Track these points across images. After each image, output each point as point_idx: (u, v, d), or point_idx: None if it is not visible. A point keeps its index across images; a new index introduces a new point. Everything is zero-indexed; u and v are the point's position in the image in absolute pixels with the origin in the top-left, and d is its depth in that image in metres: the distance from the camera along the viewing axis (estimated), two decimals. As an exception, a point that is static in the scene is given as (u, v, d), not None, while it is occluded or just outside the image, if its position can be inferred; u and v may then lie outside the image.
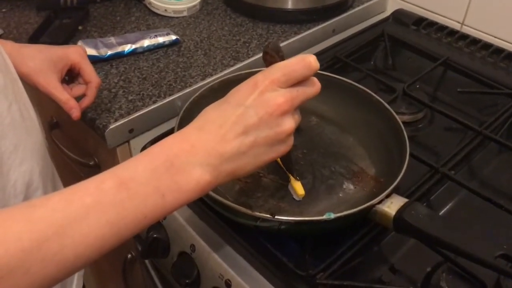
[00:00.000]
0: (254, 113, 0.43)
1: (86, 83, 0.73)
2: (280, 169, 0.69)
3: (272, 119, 0.43)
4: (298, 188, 0.64)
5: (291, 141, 0.46)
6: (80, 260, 0.38)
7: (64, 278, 0.38)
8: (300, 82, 0.45)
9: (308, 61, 0.44)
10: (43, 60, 0.68)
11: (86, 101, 0.73)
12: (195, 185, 0.41)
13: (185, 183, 0.41)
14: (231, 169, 0.43)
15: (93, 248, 0.38)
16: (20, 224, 0.36)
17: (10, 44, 0.69)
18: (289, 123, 0.44)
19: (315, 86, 0.46)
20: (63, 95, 0.69)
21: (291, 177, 0.64)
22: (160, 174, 0.40)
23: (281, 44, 0.95)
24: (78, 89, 0.74)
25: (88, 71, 0.72)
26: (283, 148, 0.46)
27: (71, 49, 0.72)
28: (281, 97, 0.43)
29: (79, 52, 0.72)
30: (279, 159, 0.62)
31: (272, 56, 0.46)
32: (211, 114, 0.44)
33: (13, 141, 0.50)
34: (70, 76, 0.74)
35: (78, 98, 0.72)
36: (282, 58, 0.46)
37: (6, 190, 0.49)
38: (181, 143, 0.42)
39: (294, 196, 0.64)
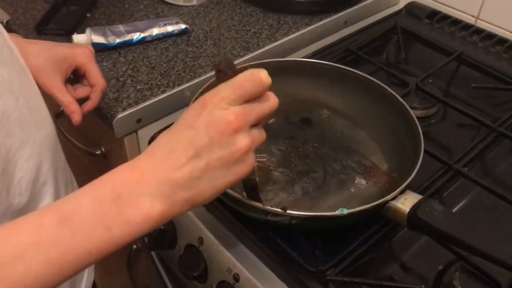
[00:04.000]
0: (204, 134, 0.40)
1: (91, 85, 0.71)
2: (291, 163, 0.68)
3: (224, 138, 0.40)
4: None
5: (251, 160, 0.43)
6: None
7: None
8: (253, 99, 0.42)
9: (258, 76, 0.41)
10: (47, 59, 0.66)
11: (89, 105, 0.71)
12: (146, 217, 0.39)
13: (133, 215, 0.38)
14: (187, 197, 0.40)
15: None
16: None
17: (15, 38, 0.66)
18: (244, 141, 0.41)
19: (270, 101, 0.43)
20: (65, 97, 0.67)
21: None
22: (106, 206, 0.38)
23: (293, 35, 0.94)
24: (82, 90, 0.72)
25: (94, 74, 0.70)
26: (242, 169, 0.42)
27: (78, 49, 0.69)
28: (232, 115, 0.40)
29: (86, 54, 0.69)
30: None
31: (225, 73, 0.43)
32: (162, 139, 0.42)
33: (20, 137, 0.48)
34: (75, 76, 0.72)
35: (82, 101, 0.70)
36: (236, 74, 0.42)
37: (10, 189, 0.48)
38: (130, 172, 0.40)
39: None
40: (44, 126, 0.54)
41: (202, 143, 0.40)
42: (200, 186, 0.40)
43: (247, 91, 0.41)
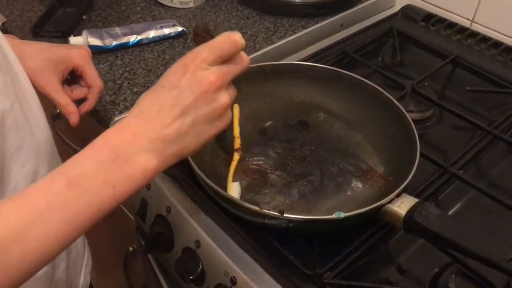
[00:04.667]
0: (189, 93, 0.44)
1: (88, 86, 0.71)
2: (287, 166, 0.68)
3: (207, 96, 0.45)
4: (230, 188, 0.63)
5: (228, 115, 0.48)
6: (43, 260, 0.39)
7: (29, 278, 0.39)
8: (229, 59, 0.47)
9: (234, 38, 0.46)
10: (43, 60, 0.66)
11: (87, 106, 0.71)
12: (143, 172, 0.42)
13: (132, 171, 0.42)
14: (176, 151, 0.44)
15: (54, 247, 0.39)
16: None
17: (10, 39, 0.66)
18: (224, 98, 0.46)
19: (244, 61, 0.48)
20: (62, 98, 0.67)
21: (228, 180, 0.64)
22: (108, 166, 0.41)
23: (289, 38, 0.94)
24: (79, 91, 0.72)
25: (91, 75, 0.70)
26: (222, 123, 0.47)
27: (74, 50, 0.69)
28: (213, 75, 0.45)
29: (83, 55, 0.69)
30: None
31: (202, 37, 0.48)
32: (147, 100, 0.45)
33: (16, 142, 0.48)
34: (72, 77, 0.71)
35: (79, 102, 0.70)
36: (212, 37, 0.47)
37: (5, 195, 0.48)
38: (122, 133, 0.43)
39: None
40: (40, 131, 0.54)
41: (188, 102, 0.44)
42: (187, 141, 0.45)
43: (225, 52, 0.46)
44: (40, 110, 0.55)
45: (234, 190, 0.63)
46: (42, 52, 0.67)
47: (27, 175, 0.50)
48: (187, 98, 0.44)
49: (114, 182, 0.41)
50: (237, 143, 0.67)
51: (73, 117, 0.68)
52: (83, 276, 0.68)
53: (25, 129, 0.50)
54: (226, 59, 0.46)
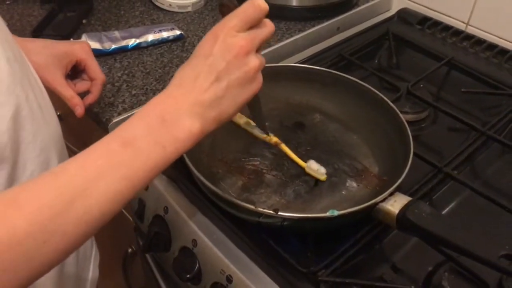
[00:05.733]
0: (221, 59, 0.47)
1: (91, 79, 0.73)
2: (283, 166, 0.69)
3: (239, 60, 0.47)
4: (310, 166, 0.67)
5: (260, 78, 0.50)
6: (105, 216, 0.42)
7: (92, 235, 0.43)
8: (255, 24, 0.49)
9: (257, 4, 0.48)
10: (47, 55, 0.68)
11: (91, 98, 0.72)
12: (189, 134, 0.45)
13: (179, 133, 0.45)
14: (215, 115, 0.47)
15: (114, 203, 0.42)
16: (50, 191, 0.39)
17: (14, 37, 0.68)
18: (254, 61, 0.48)
19: (268, 26, 0.50)
20: (67, 91, 0.69)
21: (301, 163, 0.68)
22: (157, 129, 0.44)
23: (286, 41, 0.95)
24: (82, 85, 0.74)
25: (94, 68, 0.72)
26: (255, 85, 0.50)
27: (76, 45, 0.71)
28: (242, 40, 0.47)
29: (85, 49, 0.72)
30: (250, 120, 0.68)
31: (228, 7, 0.50)
32: (185, 71, 0.48)
33: (31, 131, 0.50)
34: (74, 71, 0.73)
35: (82, 95, 0.72)
36: (236, 6, 0.49)
37: (19, 182, 0.50)
38: (166, 100, 0.46)
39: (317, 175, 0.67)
40: (51, 122, 0.56)
41: (221, 68, 0.47)
42: (224, 104, 0.47)
43: (250, 17, 0.48)
44: (50, 102, 0.57)
45: (314, 165, 0.67)
46: (45, 48, 0.69)
47: (42, 163, 0.52)
48: (219, 64, 0.46)
49: (164, 143, 0.44)
50: (273, 139, 0.68)
51: (79, 109, 0.70)
52: (92, 270, 0.69)
53: (39, 119, 0.52)
54: (252, 25, 0.48)
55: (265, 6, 0.48)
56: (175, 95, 0.46)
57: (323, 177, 0.67)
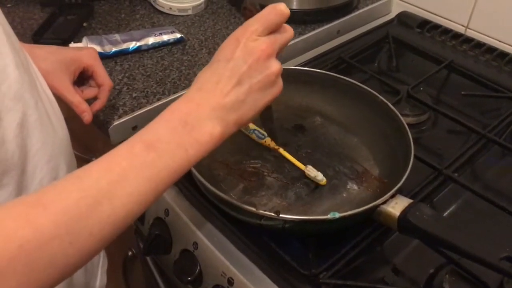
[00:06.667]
0: (243, 63, 0.47)
1: (99, 86, 0.72)
2: (284, 168, 0.69)
3: (260, 64, 0.47)
4: (309, 172, 0.67)
5: (280, 82, 0.50)
6: (129, 217, 0.42)
7: (116, 236, 0.43)
8: (276, 29, 0.49)
9: (279, 8, 0.48)
10: (55, 62, 0.67)
11: (98, 104, 0.72)
12: (210, 137, 0.46)
13: (201, 136, 0.45)
14: (236, 118, 0.48)
15: (138, 205, 0.42)
16: (74, 192, 0.39)
17: (21, 44, 0.68)
18: (275, 65, 0.48)
19: (289, 31, 0.51)
20: (75, 97, 0.68)
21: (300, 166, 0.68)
22: (179, 132, 0.45)
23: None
24: (89, 91, 0.73)
25: (101, 74, 0.71)
26: (276, 89, 0.50)
27: (84, 51, 0.71)
28: (263, 44, 0.47)
29: (92, 55, 0.71)
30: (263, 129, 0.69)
31: (250, 11, 0.50)
32: (206, 75, 0.48)
33: (40, 138, 0.50)
34: (81, 77, 0.73)
35: (89, 101, 0.72)
36: (258, 11, 0.50)
37: (30, 189, 0.49)
38: (188, 104, 0.47)
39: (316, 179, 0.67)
40: (60, 128, 0.56)
41: (242, 71, 0.47)
42: (245, 108, 0.48)
43: (272, 22, 0.48)
44: (58, 109, 0.57)
45: (312, 172, 0.67)
46: (53, 54, 0.68)
47: (51, 171, 0.52)
48: (241, 68, 0.47)
49: (186, 146, 0.45)
50: (271, 143, 0.70)
51: (86, 115, 0.69)
52: (100, 277, 0.69)
53: (48, 126, 0.52)
54: (273, 29, 0.49)
55: (287, 11, 0.49)
56: (196, 99, 0.47)
57: (322, 182, 0.67)
